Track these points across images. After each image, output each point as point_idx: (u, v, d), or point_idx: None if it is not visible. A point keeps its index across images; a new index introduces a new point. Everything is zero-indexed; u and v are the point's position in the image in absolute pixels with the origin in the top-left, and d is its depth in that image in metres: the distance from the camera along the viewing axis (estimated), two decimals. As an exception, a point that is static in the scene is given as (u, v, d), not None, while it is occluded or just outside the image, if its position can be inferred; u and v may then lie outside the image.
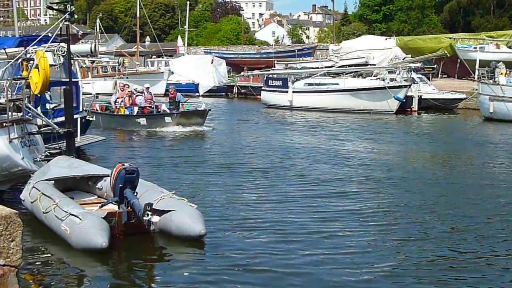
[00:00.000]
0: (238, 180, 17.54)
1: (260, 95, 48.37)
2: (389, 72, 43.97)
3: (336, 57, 61.75)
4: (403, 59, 53.72)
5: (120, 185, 11.98)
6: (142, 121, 30.06)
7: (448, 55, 55.58)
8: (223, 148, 24.46)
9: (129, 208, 11.85)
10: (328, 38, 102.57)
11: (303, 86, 44.23)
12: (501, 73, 37.35)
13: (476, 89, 39.61)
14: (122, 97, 31.06)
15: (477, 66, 40.45)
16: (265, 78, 48.42)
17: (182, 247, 11.42)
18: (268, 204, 14.52)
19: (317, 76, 44.61)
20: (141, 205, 11.57)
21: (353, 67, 48.95)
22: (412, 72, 44.08)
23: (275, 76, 48.45)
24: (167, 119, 30.01)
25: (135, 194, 12.04)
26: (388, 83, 41.22)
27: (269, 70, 55.03)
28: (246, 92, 57.50)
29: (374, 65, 53.60)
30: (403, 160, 21.61)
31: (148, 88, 31.67)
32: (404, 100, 40.34)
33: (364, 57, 58.73)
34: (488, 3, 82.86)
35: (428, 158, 22.58)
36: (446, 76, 59.89)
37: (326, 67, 53.02)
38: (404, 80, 41.51)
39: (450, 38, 60.69)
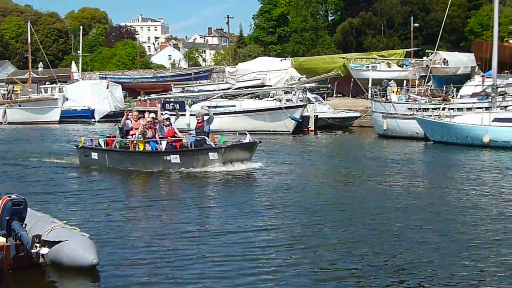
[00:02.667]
0: (136, 210, 17.05)
1: (156, 119, 47.70)
2: (285, 93, 44.51)
3: (232, 79, 62.07)
4: (299, 79, 54.51)
5: (7, 218, 11.37)
6: (175, 158, 23.33)
7: (342, 75, 56.83)
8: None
9: (17, 241, 11.26)
10: (225, 60, 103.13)
11: (200, 109, 44.01)
12: (393, 91, 38.45)
13: (370, 107, 40.57)
14: (136, 128, 24.49)
15: (369, 85, 41.43)
16: (162, 102, 47.93)
17: (74, 278, 10.97)
18: (162, 233, 14.12)
19: (214, 98, 44.56)
20: (29, 237, 11.02)
21: (249, 89, 49.26)
22: (308, 92, 44.72)
23: (172, 99, 48.07)
24: (212, 155, 23.07)
25: (24, 226, 11.47)
26: (284, 103, 41.66)
27: (166, 94, 54.61)
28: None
29: (270, 86, 54.11)
30: (301, 179, 21.60)
31: (168, 119, 24.50)
32: (300, 120, 40.85)
33: (260, 79, 59.28)
34: (378, 24, 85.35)
35: (327, 176, 22.67)
36: (340, 95, 61.18)
37: (223, 89, 53.26)
38: (300, 100, 42.06)
39: (343, 58, 62.13)
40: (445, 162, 26.57)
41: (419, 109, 35.87)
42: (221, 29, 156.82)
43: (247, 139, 23.85)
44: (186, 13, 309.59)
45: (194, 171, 22.84)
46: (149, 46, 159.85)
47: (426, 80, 46.28)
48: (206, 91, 53.58)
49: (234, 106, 43.10)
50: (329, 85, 59.02)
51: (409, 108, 36.56)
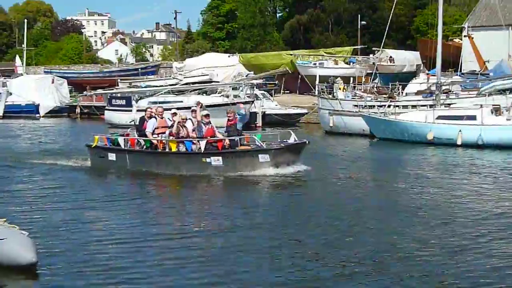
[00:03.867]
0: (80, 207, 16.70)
1: (104, 114, 47.20)
2: (232, 89, 44.36)
3: (180, 75, 61.68)
4: (246, 75, 54.45)
5: None
6: (216, 161, 20.71)
7: (290, 71, 56.92)
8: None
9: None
10: (172, 56, 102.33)
11: (147, 104, 43.59)
12: (339, 88, 38.66)
13: (317, 104, 40.74)
14: (162, 126, 22.09)
15: (317, 82, 41.56)
16: (108, 97, 47.36)
17: (13, 277, 10.74)
18: (102, 232, 13.85)
19: (161, 94, 44.17)
20: (-35, 237, 10.68)
21: (197, 85, 49.01)
22: (255, 88, 44.68)
23: (118, 95, 47.51)
24: (262, 158, 20.60)
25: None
26: (232, 99, 41.51)
27: (112, 89, 53.96)
28: (90, 112, 55.89)
29: (218, 82, 53.95)
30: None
31: (208, 115, 21.48)
32: (248, 116, 40.72)
33: (208, 74, 59.11)
34: (326, 21, 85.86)
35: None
36: (288, 91, 61.31)
37: (170, 85, 52.91)
38: (248, 96, 41.96)
39: (291, 54, 62.26)
40: (389, 159, 26.84)
41: (365, 106, 36.14)
42: (169, 24, 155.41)
43: (292, 138, 21.47)
44: (133, 8, 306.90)
45: (239, 175, 20.33)
46: (96, 41, 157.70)
47: (373, 78, 46.68)
48: (153, 86, 53.01)
49: (181, 102, 42.72)
50: (276, 82, 59.09)
51: (355, 105, 36.81)
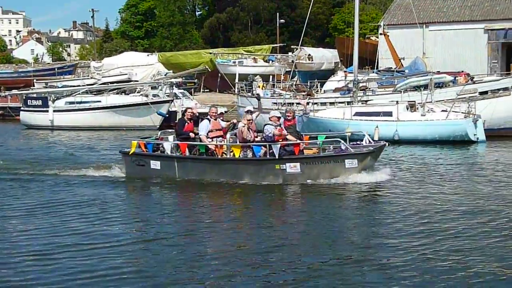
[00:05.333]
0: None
1: (19, 115, 45.91)
2: (151, 88, 43.93)
3: (98, 74, 60.70)
4: (165, 74, 53.97)
5: None
6: (292, 167, 18.28)
7: (209, 70, 56.77)
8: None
9: None
10: (90, 55, 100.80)
11: (64, 104, 42.69)
12: (258, 86, 38.77)
13: (236, 102, 40.74)
14: (217, 129, 19.39)
15: (236, 80, 41.57)
16: (24, 98, 46.07)
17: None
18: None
19: (79, 94, 43.31)
20: None
21: (115, 84, 48.26)
22: (174, 87, 44.35)
23: (34, 95, 46.30)
24: (349, 163, 18.35)
25: None
26: (151, 99, 41.09)
27: (28, 90, 52.55)
28: (4, 113, 54.29)
29: (137, 81, 53.31)
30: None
31: (279, 118, 19.14)
32: (167, 115, 40.40)
33: (126, 74, 58.32)
34: (246, 19, 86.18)
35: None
36: (208, 90, 61.16)
37: (88, 84, 51.96)
38: (167, 95, 41.62)
39: (210, 53, 62.14)
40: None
41: (284, 103, 36.34)
42: (86, 23, 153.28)
43: (366, 140, 19.37)
44: (49, 6, 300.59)
45: (320, 183, 18.01)
46: (10, 40, 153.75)
47: (291, 75, 47.03)
48: (70, 86, 51.89)
49: (100, 101, 42.04)
50: (196, 80, 58.85)
51: (274, 103, 36.96)
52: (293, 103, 36.19)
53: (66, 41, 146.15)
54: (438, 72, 37.38)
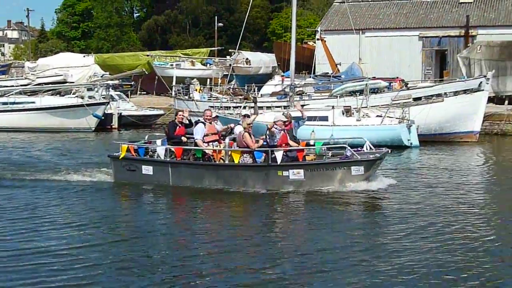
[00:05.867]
0: None
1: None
2: (87, 90, 43.30)
3: (32, 75, 59.52)
4: (102, 76, 53.34)
5: None
6: (296, 174, 17.58)
7: (146, 72, 56.29)
8: None
9: None
10: (25, 55, 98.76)
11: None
12: (195, 89, 38.63)
13: (173, 105, 40.49)
14: (212, 133, 18.77)
15: (173, 83, 41.27)
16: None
17: None
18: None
19: (12, 94, 42.34)
20: None
21: (50, 85, 47.45)
22: (111, 89, 43.83)
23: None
24: (356, 170, 17.66)
25: None
26: (87, 100, 40.51)
27: (-42, 90, 51.15)
28: None
29: (73, 82, 52.52)
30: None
31: (285, 122, 18.61)
32: (103, 118, 39.89)
33: (62, 75, 57.41)
34: (184, 22, 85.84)
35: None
36: (145, 92, 60.64)
37: (21, 85, 50.94)
38: (103, 97, 41.07)
39: (148, 55, 61.57)
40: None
41: (221, 107, 36.28)
42: (21, 22, 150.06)
43: (367, 146, 18.66)
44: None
45: (324, 191, 17.33)
46: None
47: (229, 79, 47.01)
48: (4, 86, 50.76)
49: (34, 102, 41.20)
50: (133, 83, 58.19)
51: (211, 107, 36.82)
52: (229, 107, 36.19)
53: (0, 41, 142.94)
54: (374, 78, 37.94)
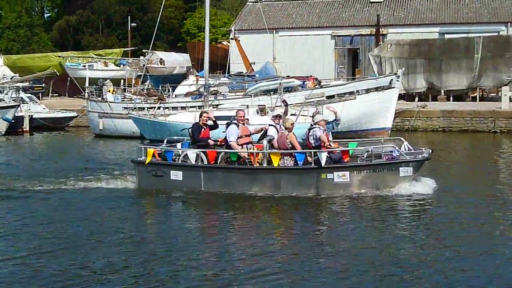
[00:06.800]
0: None
1: None
2: (-4, 92, 42.06)
3: None
4: (11, 78, 51.77)
5: None
6: (341, 176, 16.55)
7: (58, 74, 55.03)
8: None
9: None
10: None
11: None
12: (109, 91, 38.05)
13: (86, 107, 39.75)
14: (246, 135, 17.84)
15: (86, 84, 40.47)
16: None
17: None
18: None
19: None
20: None
21: (-45, 88, 45.68)
22: (21, 91, 42.71)
23: None
24: (404, 171, 16.80)
25: None
26: (-4, 103, 39.36)
27: None
28: None
29: (-20, 85, 50.81)
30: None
31: (326, 121, 17.72)
32: (13, 121, 38.78)
33: (-31, 77, 55.42)
34: (97, 22, 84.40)
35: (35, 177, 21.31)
36: (56, 94, 59.38)
37: None
38: (13, 100, 40.01)
39: (60, 56, 60.31)
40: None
41: (135, 108, 35.84)
42: None
43: (404, 146, 17.44)
44: None
45: (371, 194, 16.49)
46: None
47: (143, 80, 46.52)
48: None
49: None
50: (44, 85, 56.89)
51: (125, 108, 36.38)
52: (143, 108, 35.80)
53: None
54: (288, 77, 38.24)
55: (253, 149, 17.61)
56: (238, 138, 17.44)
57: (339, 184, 16.50)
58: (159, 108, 34.86)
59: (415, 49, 45.43)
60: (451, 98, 44.41)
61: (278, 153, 16.82)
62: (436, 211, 15.32)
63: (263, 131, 18.10)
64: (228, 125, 17.76)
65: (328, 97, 33.97)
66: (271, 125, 17.98)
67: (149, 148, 18.35)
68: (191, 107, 34.53)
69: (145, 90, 41.45)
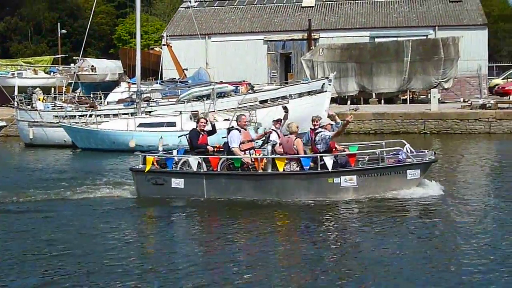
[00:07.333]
0: None
1: None
2: None
3: None
4: None
5: None
6: (348, 181, 16.24)
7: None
8: None
9: None
10: None
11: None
12: (39, 99, 37.31)
13: (15, 116, 38.87)
14: (248, 140, 17.56)
15: (15, 93, 39.52)
16: None
17: None
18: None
19: None
20: None
21: None
22: None
23: None
24: (412, 174, 16.65)
25: None
26: None
27: None
28: None
29: None
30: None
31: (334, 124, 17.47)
32: None
33: None
34: (25, 29, 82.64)
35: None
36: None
37: None
38: None
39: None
40: (90, 168, 25.97)
41: (66, 116, 35.23)
42: None
43: (406, 149, 16.97)
44: None
45: (379, 198, 16.20)
46: None
47: (74, 87, 45.79)
48: None
49: None
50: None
51: (55, 116, 35.72)
52: (75, 116, 35.24)
53: None
54: (221, 82, 38.20)
55: (255, 155, 17.25)
56: (240, 143, 17.08)
57: (346, 188, 16.25)
58: (90, 116, 34.37)
59: (346, 53, 46.04)
60: (383, 101, 45.21)
61: (283, 158, 16.46)
62: (445, 213, 15.12)
63: (265, 136, 17.80)
64: (229, 130, 17.39)
65: (261, 102, 34.08)
66: (273, 129, 17.64)
67: (148, 155, 17.70)
68: (123, 114, 34.13)
69: (76, 98, 40.72)
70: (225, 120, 31.01)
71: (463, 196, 17.19)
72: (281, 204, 16.19)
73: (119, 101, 36.88)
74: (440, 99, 40.20)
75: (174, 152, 18.40)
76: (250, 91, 36.44)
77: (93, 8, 40.06)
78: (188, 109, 32.57)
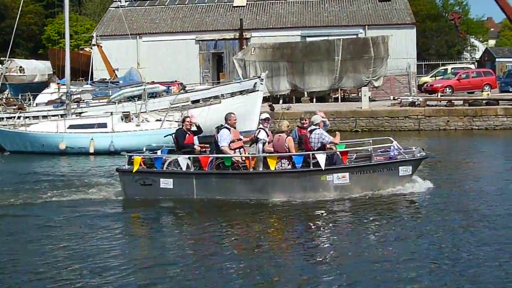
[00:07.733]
0: None
1: None
2: None
3: None
4: None
5: None
6: (340, 178, 16.10)
7: None
8: None
9: None
10: None
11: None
12: None
13: None
14: (238, 139, 17.10)
15: None
16: None
17: None
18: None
19: None
20: None
21: None
22: None
23: None
24: (404, 171, 16.65)
25: None
26: None
27: None
28: None
29: None
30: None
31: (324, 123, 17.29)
32: None
33: None
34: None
35: None
36: None
37: None
38: None
39: None
40: (21, 172, 25.54)
41: (-7, 118, 34.46)
42: None
43: (395, 145, 16.89)
44: None
45: (371, 195, 16.16)
46: None
47: (1, 89, 44.78)
48: None
49: None
50: None
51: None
52: (3, 118, 34.44)
53: None
54: (152, 82, 37.97)
55: (245, 153, 17.06)
56: (230, 142, 16.80)
57: (338, 186, 16.17)
58: (19, 117, 33.61)
59: (278, 52, 46.33)
60: (314, 100, 45.64)
61: (275, 156, 16.26)
62: (439, 208, 15.23)
63: (254, 134, 17.65)
64: (218, 129, 17.07)
65: (193, 102, 33.97)
66: (261, 128, 17.41)
67: (136, 156, 17.19)
68: (53, 115, 33.51)
69: (4, 99, 39.84)
70: (157, 120, 30.86)
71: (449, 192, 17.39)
72: (274, 203, 16.05)
73: (49, 103, 36.24)
74: (370, 97, 40.82)
75: (159, 152, 18.03)
76: (182, 91, 36.32)
77: (21, 8, 39.15)
78: (119, 110, 32.20)
